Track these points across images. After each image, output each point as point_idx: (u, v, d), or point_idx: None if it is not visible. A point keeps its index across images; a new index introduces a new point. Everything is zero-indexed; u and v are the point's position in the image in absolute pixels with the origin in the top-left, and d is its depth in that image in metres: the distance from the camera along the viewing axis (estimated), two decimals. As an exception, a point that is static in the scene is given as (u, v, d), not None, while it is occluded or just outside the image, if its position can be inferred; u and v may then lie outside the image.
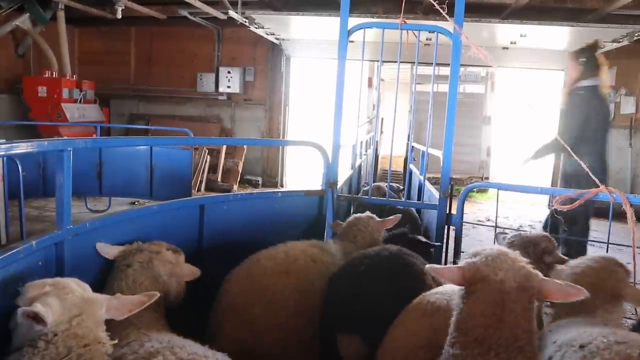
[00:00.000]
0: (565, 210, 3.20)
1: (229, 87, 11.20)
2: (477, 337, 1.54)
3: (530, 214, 10.00)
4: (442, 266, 1.73)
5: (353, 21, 3.70)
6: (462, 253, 3.51)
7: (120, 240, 2.56)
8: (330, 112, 3.81)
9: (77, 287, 1.78)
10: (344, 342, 2.31)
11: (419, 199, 5.28)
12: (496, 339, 1.53)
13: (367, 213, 3.32)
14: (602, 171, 4.38)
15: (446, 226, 3.62)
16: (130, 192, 7.49)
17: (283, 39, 10.69)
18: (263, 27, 9.40)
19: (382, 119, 11.93)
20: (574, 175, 4.41)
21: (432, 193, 4.25)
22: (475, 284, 1.61)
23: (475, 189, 9.90)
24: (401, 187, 6.66)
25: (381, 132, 12.04)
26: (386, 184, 4.79)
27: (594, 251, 7.39)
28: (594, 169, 3.27)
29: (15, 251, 1.90)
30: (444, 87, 4.82)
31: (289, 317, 2.42)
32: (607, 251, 3.26)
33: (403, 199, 5.11)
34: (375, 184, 5.59)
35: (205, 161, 10.49)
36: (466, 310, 1.60)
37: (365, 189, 5.78)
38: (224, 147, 10.84)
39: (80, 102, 9.83)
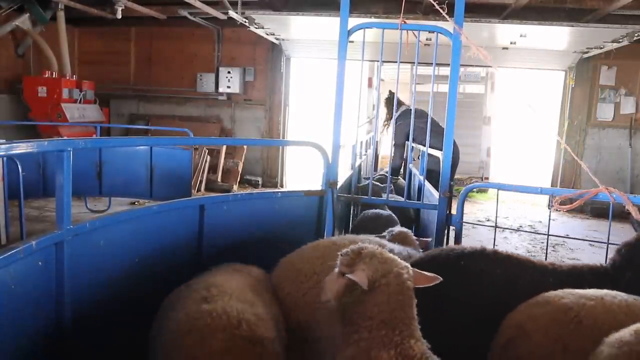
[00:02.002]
0: (564, 210, 3.20)
1: (228, 87, 11.20)
2: (383, 319, 1.89)
3: (530, 214, 10.00)
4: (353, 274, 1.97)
5: (353, 21, 3.69)
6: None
7: (120, 240, 2.56)
8: (330, 112, 3.81)
9: None
10: None
11: (418, 199, 5.28)
12: (400, 319, 1.90)
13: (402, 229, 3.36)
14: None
15: (446, 226, 3.62)
16: (130, 192, 7.50)
17: (283, 39, 10.69)
18: (263, 27, 9.39)
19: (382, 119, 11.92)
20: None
21: (432, 193, 4.25)
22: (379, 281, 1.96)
23: (475, 189, 9.91)
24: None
25: (381, 132, 12.02)
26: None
27: (593, 251, 7.46)
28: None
29: (15, 251, 1.90)
30: (444, 87, 4.85)
31: (315, 297, 2.53)
32: (607, 251, 3.26)
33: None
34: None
35: (205, 161, 10.49)
36: (371, 300, 1.93)
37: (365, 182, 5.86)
38: (224, 147, 10.84)
39: (80, 102, 9.83)
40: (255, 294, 2.31)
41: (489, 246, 2.75)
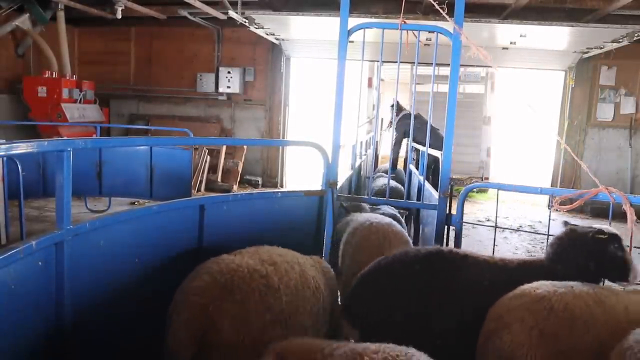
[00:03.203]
0: (564, 210, 3.21)
1: (228, 87, 11.20)
2: None
3: (530, 214, 10.01)
4: None
5: (353, 21, 3.69)
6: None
7: (120, 240, 2.56)
8: (330, 112, 3.81)
9: None
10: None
11: (418, 199, 5.27)
12: None
13: None
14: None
15: (446, 226, 3.62)
16: (130, 192, 7.50)
17: (283, 39, 10.69)
18: (263, 27, 9.40)
19: (382, 119, 11.93)
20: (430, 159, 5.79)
21: (432, 193, 4.24)
22: None
23: (475, 189, 9.91)
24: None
25: (381, 132, 12.03)
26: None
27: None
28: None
29: (15, 251, 1.90)
30: (444, 87, 4.87)
31: None
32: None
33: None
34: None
35: (205, 161, 10.49)
36: None
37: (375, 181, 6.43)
38: (224, 147, 10.84)
39: (80, 102, 9.83)
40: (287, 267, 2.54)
41: (489, 246, 2.77)
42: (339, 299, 3.03)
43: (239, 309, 2.25)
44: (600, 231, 2.54)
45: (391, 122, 8.25)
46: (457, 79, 3.61)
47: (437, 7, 3.43)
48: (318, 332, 2.58)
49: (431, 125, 6.27)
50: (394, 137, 8.02)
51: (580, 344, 2.15)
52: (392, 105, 8.28)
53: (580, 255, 2.57)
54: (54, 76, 9.55)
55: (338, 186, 3.80)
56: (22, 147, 2.08)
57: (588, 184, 9.03)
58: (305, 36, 10.47)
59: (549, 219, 3.52)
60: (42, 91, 9.32)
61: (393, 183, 5.89)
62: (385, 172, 7.17)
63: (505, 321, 2.26)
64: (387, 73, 13.71)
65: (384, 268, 2.68)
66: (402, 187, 5.88)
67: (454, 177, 4.56)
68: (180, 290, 2.35)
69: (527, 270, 2.64)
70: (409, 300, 2.53)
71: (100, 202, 8.34)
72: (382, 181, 6.30)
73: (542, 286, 2.35)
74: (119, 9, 8.90)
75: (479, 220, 8.85)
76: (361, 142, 8.01)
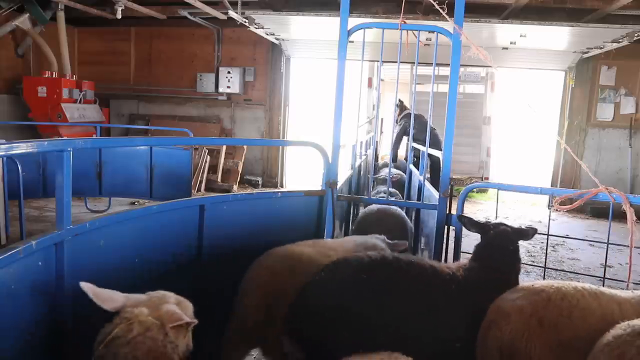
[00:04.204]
0: (564, 210, 3.21)
1: (228, 87, 11.20)
2: None
3: (530, 214, 10.01)
4: None
5: (353, 21, 3.69)
6: (462, 253, 3.51)
7: (120, 240, 2.56)
8: (330, 112, 3.81)
9: None
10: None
11: (418, 199, 5.28)
12: None
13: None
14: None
15: (446, 226, 3.62)
16: (130, 192, 7.51)
17: (283, 39, 10.70)
18: (263, 27, 9.40)
19: (382, 119, 11.93)
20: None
21: (432, 193, 4.24)
22: None
23: (475, 189, 9.91)
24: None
25: (381, 132, 12.04)
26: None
27: (593, 251, 7.44)
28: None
29: (15, 251, 1.90)
30: (444, 87, 4.88)
31: None
32: (606, 251, 3.26)
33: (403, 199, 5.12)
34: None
35: (205, 161, 10.49)
36: None
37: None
38: (224, 147, 10.84)
39: (80, 102, 9.83)
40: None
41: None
42: None
43: (298, 285, 2.54)
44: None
45: (396, 121, 8.46)
46: (457, 79, 3.61)
47: (437, 7, 3.43)
48: None
49: (431, 127, 6.39)
50: (395, 134, 8.21)
51: (579, 336, 2.18)
52: (396, 105, 8.50)
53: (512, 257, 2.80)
54: (54, 76, 9.55)
55: (338, 186, 3.80)
56: (22, 147, 2.08)
57: (588, 184, 9.03)
58: (305, 36, 10.47)
59: (549, 219, 3.52)
60: (42, 91, 9.32)
61: (395, 171, 6.27)
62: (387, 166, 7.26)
63: (504, 312, 2.29)
64: (387, 73, 13.70)
65: (327, 278, 2.47)
66: (404, 174, 6.20)
67: (454, 177, 4.57)
68: (252, 268, 2.74)
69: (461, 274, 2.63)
70: (356, 310, 2.34)
71: (100, 202, 8.34)
72: (385, 171, 6.52)
73: (539, 283, 2.43)
74: (119, 9, 8.90)
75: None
76: (361, 142, 8.01)
